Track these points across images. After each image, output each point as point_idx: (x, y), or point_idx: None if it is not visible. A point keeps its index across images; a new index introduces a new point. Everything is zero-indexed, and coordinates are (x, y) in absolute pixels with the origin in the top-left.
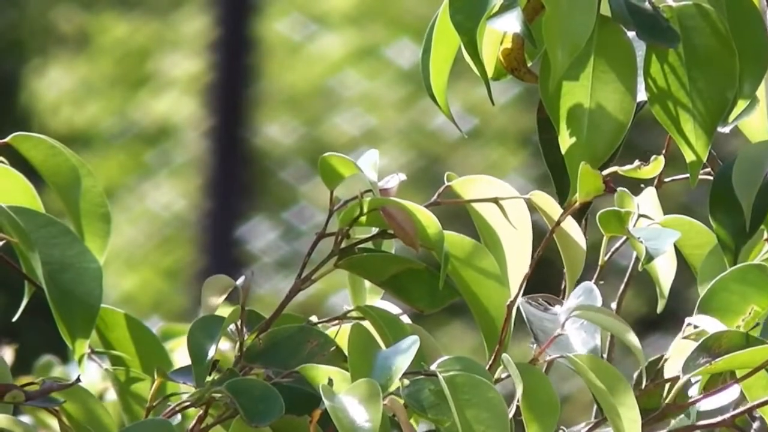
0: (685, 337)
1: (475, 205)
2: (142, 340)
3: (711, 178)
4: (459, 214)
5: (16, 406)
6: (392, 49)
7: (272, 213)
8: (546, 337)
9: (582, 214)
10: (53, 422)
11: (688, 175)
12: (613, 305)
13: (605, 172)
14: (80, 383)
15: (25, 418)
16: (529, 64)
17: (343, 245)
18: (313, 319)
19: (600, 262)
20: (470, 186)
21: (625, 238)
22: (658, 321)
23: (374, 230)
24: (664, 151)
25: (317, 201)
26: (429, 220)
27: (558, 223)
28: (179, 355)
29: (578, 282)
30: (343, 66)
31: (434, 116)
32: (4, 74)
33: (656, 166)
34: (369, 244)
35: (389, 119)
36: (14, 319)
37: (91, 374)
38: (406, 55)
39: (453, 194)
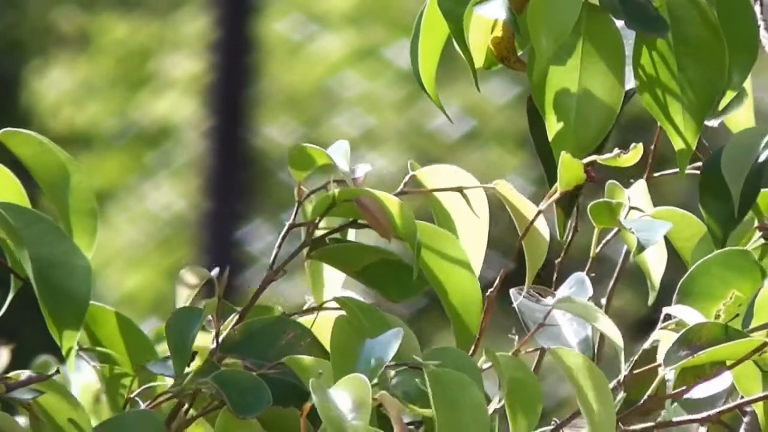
0: (663, 327)
1: (436, 193)
2: (132, 337)
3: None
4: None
5: (12, 407)
6: (392, 50)
7: (272, 214)
8: (545, 335)
9: (570, 205)
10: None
11: (677, 170)
12: (603, 300)
13: (585, 160)
14: (57, 375)
15: (21, 420)
16: (519, 53)
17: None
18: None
19: (591, 254)
20: (434, 175)
21: (615, 232)
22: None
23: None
24: (652, 146)
25: None
26: (401, 211)
27: (539, 212)
28: None
29: (569, 274)
30: (342, 66)
31: (433, 117)
32: (4, 74)
33: (635, 154)
34: (340, 236)
35: (388, 120)
36: (8, 318)
37: (86, 375)
38: (406, 55)
39: (418, 184)
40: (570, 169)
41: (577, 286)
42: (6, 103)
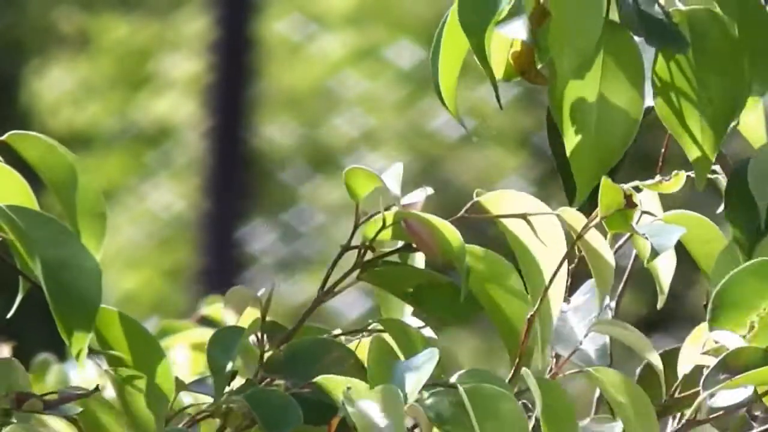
0: (704, 353)
1: (505, 221)
2: (138, 338)
3: (712, 177)
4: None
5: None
6: (392, 50)
7: (272, 214)
8: (562, 343)
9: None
10: (54, 424)
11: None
12: (612, 304)
13: (627, 186)
14: (98, 392)
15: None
16: (539, 66)
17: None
18: (337, 331)
19: None
20: (498, 201)
21: (625, 238)
22: (658, 322)
23: (399, 244)
24: (663, 150)
25: (317, 202)
26: (451, 234)
27: (579, 236)
28: (176, 352)
29: (581, 282)
30: (342, 67)
31: (434, 117)
32: (4, 74)
33: (677, 181)
34: (392, 257)
35: (389, 120)
36: (9, 316)
37: (88, 371)
38: (406, 56)
39: (481, 209)
40: (610, 193)
41: (591, 293)
42: (6, 103)
